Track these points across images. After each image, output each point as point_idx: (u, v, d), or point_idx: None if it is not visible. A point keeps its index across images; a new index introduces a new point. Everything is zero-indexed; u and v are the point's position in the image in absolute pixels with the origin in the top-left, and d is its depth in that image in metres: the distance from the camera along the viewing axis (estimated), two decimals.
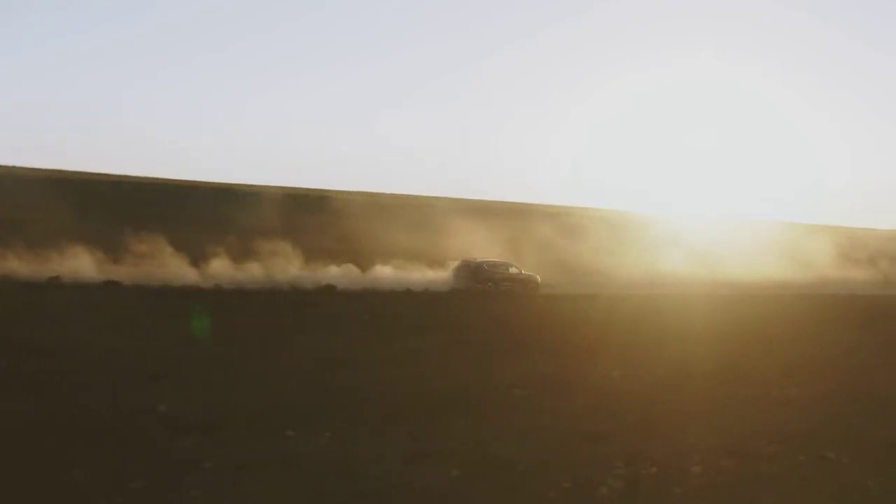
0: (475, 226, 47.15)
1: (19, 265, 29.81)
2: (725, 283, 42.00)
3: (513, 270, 36.26)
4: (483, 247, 41.25)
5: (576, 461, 9.42)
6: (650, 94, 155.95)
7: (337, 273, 33.19)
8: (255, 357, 16.76)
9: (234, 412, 11.61)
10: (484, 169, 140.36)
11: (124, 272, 29.78)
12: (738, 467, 9.56)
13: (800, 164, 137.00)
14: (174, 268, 30.56)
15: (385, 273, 34.89)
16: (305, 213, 50.05)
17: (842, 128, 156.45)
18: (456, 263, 36.58)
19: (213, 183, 75.28)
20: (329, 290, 29.96)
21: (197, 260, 31.63)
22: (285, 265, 32.62)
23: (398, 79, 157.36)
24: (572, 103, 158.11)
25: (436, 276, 35.96)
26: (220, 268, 31.33)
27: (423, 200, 69.24)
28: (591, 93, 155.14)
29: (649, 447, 10.23)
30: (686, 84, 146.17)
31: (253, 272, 31.46)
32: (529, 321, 24.83)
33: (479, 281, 35.00)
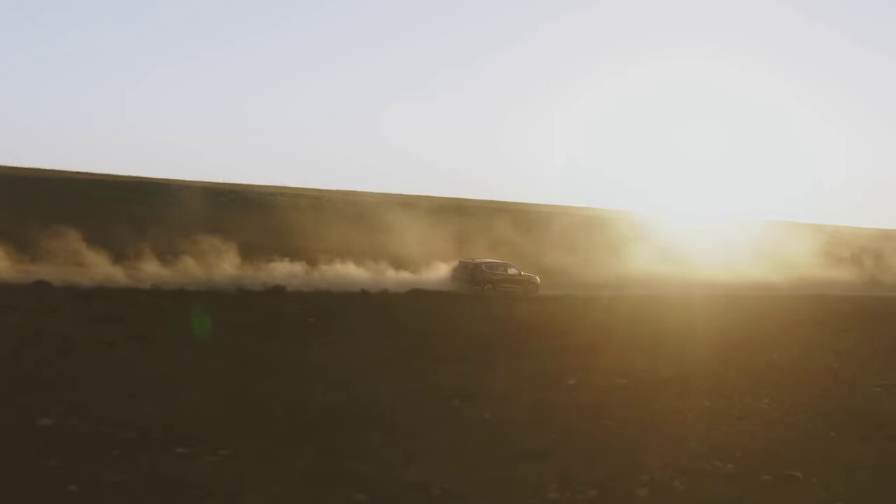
0: (418, 222, 46.04)
1: None
2: (710, 284, 41.40)
3: (512, 271, 36.06)
4: (424, 244, 40.23)
5: (503, 484, 8.61)
6: (646, 93, 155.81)
7: (287, 273, 32.26)
8: (172, 364, 15.80)
9: (126, 426, 10.70)
10: (478, 168, 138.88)
11: (52, 272, 28.64)
12: (690, 489, 8.82)
13: (796, 163, 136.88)
14: (99, 267, 29.38)
15: (340, 273, 33.99)
16: (227, 210, 48.56)
17: (839, 127, 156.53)
18: (454, 264, 36.27)
19: (126, 177, 72.58)
20: (277, 291, 28.97)
21: (120, 258, 30.39)
22: (223, 264, 31.53)
23: (390, 79, 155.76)
24: (565, 103, 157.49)
25: (397, 276, 35.14)
26: (152, 267, 30.18)
27: (357, 196, 67.38)
28: (585, 93, 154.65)
29: (593, 466, 9.46)
30: (682, 84, 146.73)
31: (193, 272, 30.35)
32: (491, 325, 23.98)
33: (476, 282, 34.69)
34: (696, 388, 14.52)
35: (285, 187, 72.46)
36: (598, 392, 14.04)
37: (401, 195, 72.12)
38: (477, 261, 36.51)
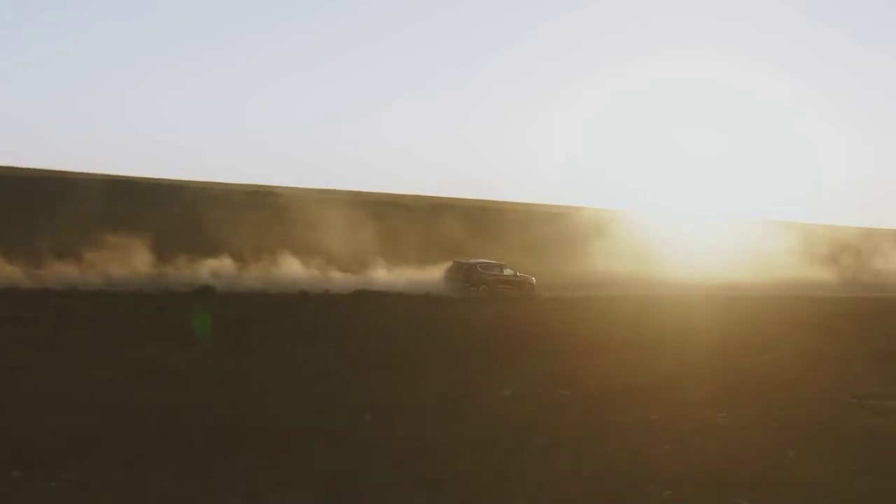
0: (345, 220, 44.91)
1: None
2: (691, 284, 40.83)
3: (507, 272, 36.87)
4: (348, 241, 39.28)
5: None
6: (646, 93, 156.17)
7: (218, 272, 31.18)
8: (58, 373, 14.81)
9: None
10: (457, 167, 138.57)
11: None
12: None
13: (796, 163, 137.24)
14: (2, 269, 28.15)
15: (278, 272, 33.01)
16: (132, 204, 46.80)
17: (839, 127, 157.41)
18: (448, 265, 36.91)
19: (18, 169, 69.34)
20: (206, 292, 27.98)
21: (11, 257, 29.17)
22: (137, 263, 30.36)
23: (390, 79, 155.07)
24: (565, 103, 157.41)
25: (346, 277, 34.27)
26: (65, 268, 28.94)
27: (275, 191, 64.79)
28: (585, 93, 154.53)
29: (504, 495, 8.61)
30: (682, 84, 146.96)
31: (112, 272, 29.19)
32: (437, 329, 23.10)
33: (472, 283, 35.35)
34: (649, 400, 13.73)
35: (193, 181, 69.63)
36: (535, 405, 13.20)
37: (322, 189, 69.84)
38: (472, 261, 37.09)
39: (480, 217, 57.29)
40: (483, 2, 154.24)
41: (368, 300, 29.48)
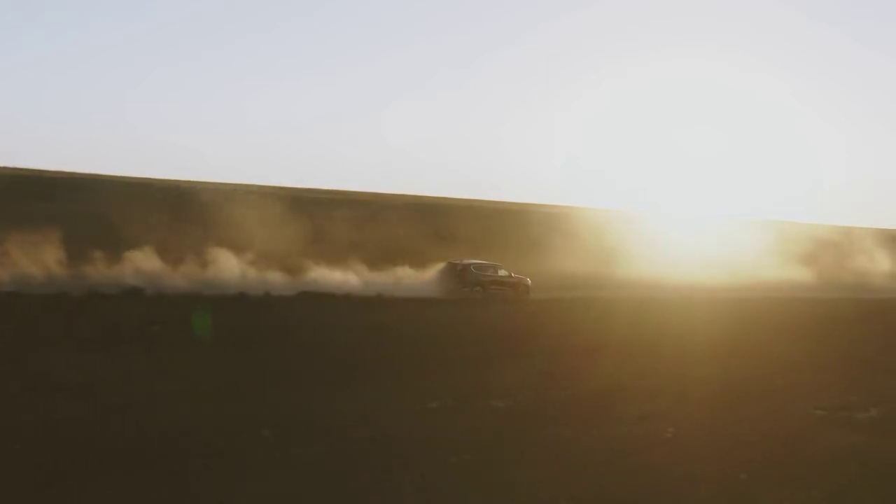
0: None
1: None
2: (668, 285, 40.26)
3: (502, 273, 37.38)
4: (272, 237, 38.45)
5: None
6: (646, 93, 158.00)
7: (149, 272, 30.07)
8: None
9: None
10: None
11: None
12: None
13: (796, 163, 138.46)
14: None
15: (217, 273, 31.93)
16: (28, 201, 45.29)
17: (839, 127, 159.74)
18: (441, 265, 37.36)
19: None
20: (134, 294, 26.90)
21: None
22: (48, 260, 29.13)
23: (390, 79, 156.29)
24: (565, 103, 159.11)
25: (286, 279, 33.37)
26: None
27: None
28: (585, 93, 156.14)
29: None
30: (682, 84, 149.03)
31: (27, 273, 28.00)
32: (379, 334, 22.21)
33: (465, 284, 35.87)
34: (595, 412, 12.89)
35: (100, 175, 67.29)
36: (464, 418, 12.29)
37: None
38: (466, 262, 37.51)
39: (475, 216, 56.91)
40: (483, 2, 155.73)
41: (311, 303, 28.50)
